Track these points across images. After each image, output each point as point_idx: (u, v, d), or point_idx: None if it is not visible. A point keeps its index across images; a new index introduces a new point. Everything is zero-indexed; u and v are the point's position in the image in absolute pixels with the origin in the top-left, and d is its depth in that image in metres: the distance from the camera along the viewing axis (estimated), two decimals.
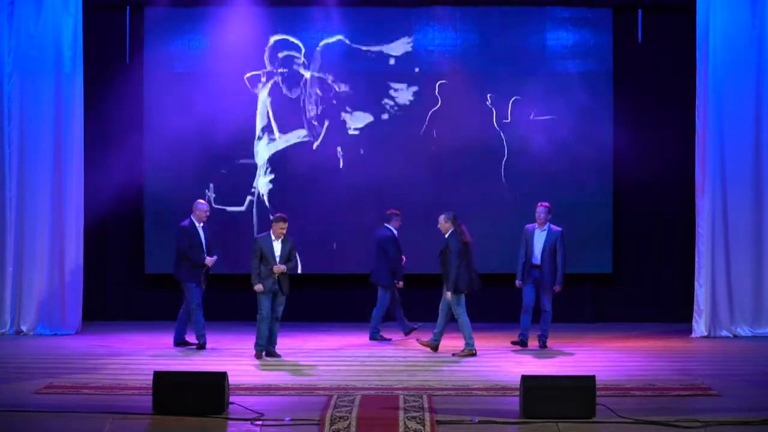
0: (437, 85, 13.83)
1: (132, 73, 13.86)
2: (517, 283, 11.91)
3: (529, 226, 11.89)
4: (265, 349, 11.28)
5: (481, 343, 12.01)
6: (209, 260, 11.89)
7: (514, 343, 11.80)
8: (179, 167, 13.78)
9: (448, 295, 11.38)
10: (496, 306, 13.41)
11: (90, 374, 10.21)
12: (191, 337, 12.05)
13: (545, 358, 11.25)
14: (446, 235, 11.47)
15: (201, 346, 11.83)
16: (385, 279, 12.52)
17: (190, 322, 11.94)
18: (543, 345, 11.82)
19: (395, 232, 12.53)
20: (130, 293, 14.22)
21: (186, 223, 11.95)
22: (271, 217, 11.79)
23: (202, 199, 12.47)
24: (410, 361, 11.10)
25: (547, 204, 11.87)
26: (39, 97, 13.07)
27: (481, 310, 13.75)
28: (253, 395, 9.05)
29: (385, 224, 12.58)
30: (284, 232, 11.28)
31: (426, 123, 13.85)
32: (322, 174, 13.85)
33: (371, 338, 12.52)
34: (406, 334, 12.58)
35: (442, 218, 11.55)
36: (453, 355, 11.40)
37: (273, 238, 11.28)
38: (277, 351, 11.33)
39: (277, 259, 11.24)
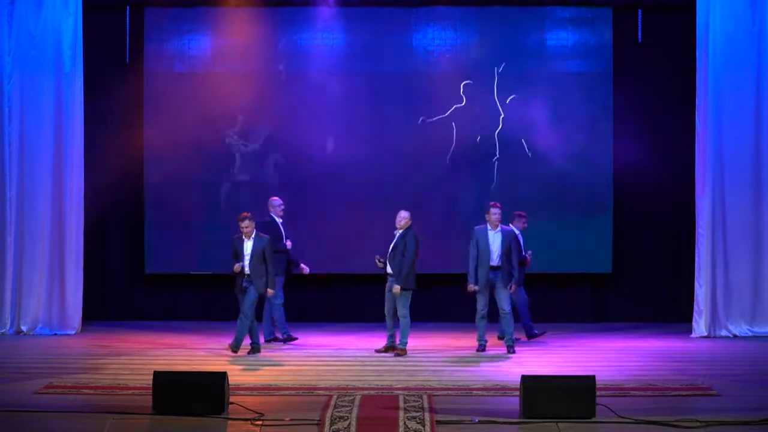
0: (437, 85, 13.82)
1: (132, 73, 13.86)
2: (471, 286, 11.57)
3: (479, 227, 11.63)
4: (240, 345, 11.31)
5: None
6: (289, 243, 12.15)
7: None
8: (179, 167, 13.77)
9: (397, 288, 11.35)
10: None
11: (90, 374, 10.20)
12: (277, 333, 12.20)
13: (545, 358, 11.24)
14: (402, 231, 11.42)
15: (288, 339, 12.12)
16: (518, 279, 12.24)
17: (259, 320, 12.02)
18: (513, 350, 11.55)
19: (517, 232, 12.26)
20: (130, 293, 14.22)
21: (264, 221, 12.06)
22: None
23: (276, 196, 12.47)
24: (410, 361, 11.09)
25: (499, 204, 11.63)
26: (39, 97, 13.07)
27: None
28: (253, 395, 9.05)
29: (510, 224, 12.32)
30: (249, 230, 11.26)
31: (426, 123, 13.84)
32: (322, 173, 13.83)
33: (529, 338, 12.35)
34: (530, 338, 12.35)
35: (407, 215, 11.47)
36: (377, 351, 11.45)
37: (244, 238, 11.30)
38: (278, 351, 11.31)
39: (246, 258, 11.22)
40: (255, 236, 11.32)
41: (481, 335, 11.69)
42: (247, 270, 11.26)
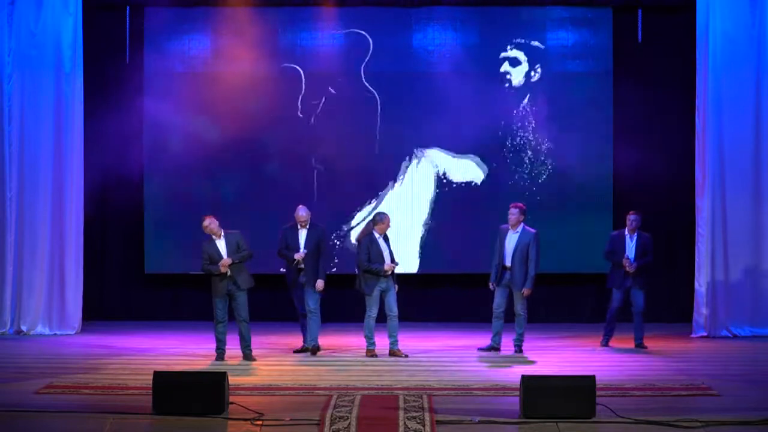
0: (437, 85, 13.82)
1: (132, 73, 13.86)
2: (490, 285, 11.61)
3: (503, 226, 11.63)
4: (242, 352, 11.13)
5: (480, 343, 12.01)
6: (297, 255, 11.48)
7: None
8: (179, 167, 13.78)
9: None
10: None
11: (90, 374, 10.21)
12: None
13: (545, 358, 11.24)
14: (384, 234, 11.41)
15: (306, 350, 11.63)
16: (608, 279, 12.21)
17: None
18: (519, 350, 11.54)
19: (624, 232, 12.01)
20: (130, 293, 14.23)
21: (286, 225, 11.75)
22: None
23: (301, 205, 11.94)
24: (410, 361, 11.10)
25: (520, 205, 11.56)
26: (39, 97, 13.08)
27: (485, 311, 13.80)
28: (253, 395, 9.06)
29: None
30: (214, 229, 10.99)
31: (426, 123, 13.84)
32: (321, 173, 13.83)
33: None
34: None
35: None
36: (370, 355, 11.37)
37: (214, 238, 11.10)
38: (277, 351, 11.29)
39: (224, 256, 11.00)
40: (224, 235, 11.07)
41: (493, 334, 11.62)
42: (226, 261, 11.03)
